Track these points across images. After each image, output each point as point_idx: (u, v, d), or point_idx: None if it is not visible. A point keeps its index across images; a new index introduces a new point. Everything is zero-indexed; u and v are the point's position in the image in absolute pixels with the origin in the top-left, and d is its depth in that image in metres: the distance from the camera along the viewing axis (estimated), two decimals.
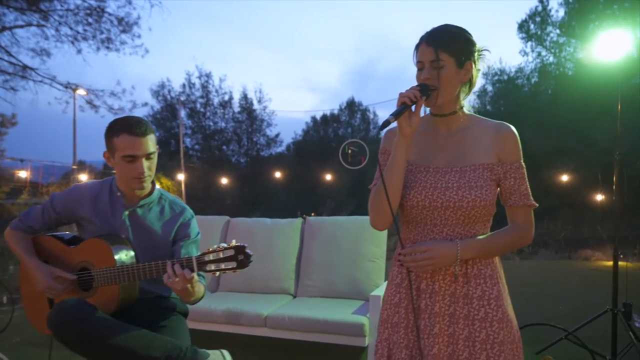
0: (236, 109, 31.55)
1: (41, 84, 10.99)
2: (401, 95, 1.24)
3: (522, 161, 1.31)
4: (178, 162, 16.45)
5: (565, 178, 14.62)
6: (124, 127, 1.65)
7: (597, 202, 12.85)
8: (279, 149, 32.10)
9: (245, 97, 31.26)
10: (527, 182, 1.31)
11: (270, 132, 31.98)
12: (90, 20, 11.01)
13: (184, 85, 30.55)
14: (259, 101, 31.39)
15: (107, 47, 11.43)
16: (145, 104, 13.89)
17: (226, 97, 31.00)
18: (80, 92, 12.48)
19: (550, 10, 18.57)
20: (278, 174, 22.25)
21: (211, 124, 31.55)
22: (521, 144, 1.32)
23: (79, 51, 11.13)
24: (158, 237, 1.76)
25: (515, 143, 1.30)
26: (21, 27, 10.58)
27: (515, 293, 1.30)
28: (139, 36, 14.17)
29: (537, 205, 1.33)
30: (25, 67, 10.75)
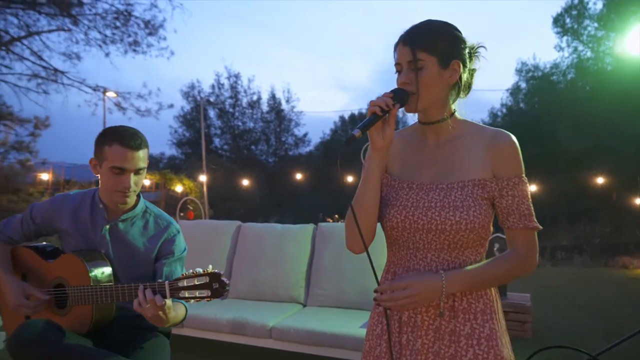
0: (264, 108, 31.83)
1: (71, 87, 11.28)
2: (371, 103, 1.09)
3: (522, 175, 1.12)
4: (209, 162, 16.62)
5: (603, 178, 13.90)
6: (118, 138, 1.55)
7: (638, 204, 12.17)
8: (307, 149, 32.15)
9: (273, 97, 31.50)
10: (529, 200, 1.12)
11: (299, 131, 32.12)
12: (117, 24, 11.23)
13: (213, 86, 31.05)
14: (287, 101, 31.60)
15: (134, 50, 11.64)
16: (171, 106, 14.10)
17: (254, 97, 31.33)
18: (110, 94, 12.74)
19: (587, 3, 17.78)
20: (305, 175, 22.20)
21: (240, 124, 31.93)
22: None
23: (107, 54, 11.39)
24: (140, 254, 1.65)
25: (512, 154, 1.11)
26: (49, 32, 10.87)
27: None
28: (165, 38, 14.44)
29: (541, 227, 1.13)
30: (56, 71, 11.05)
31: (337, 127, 31.32)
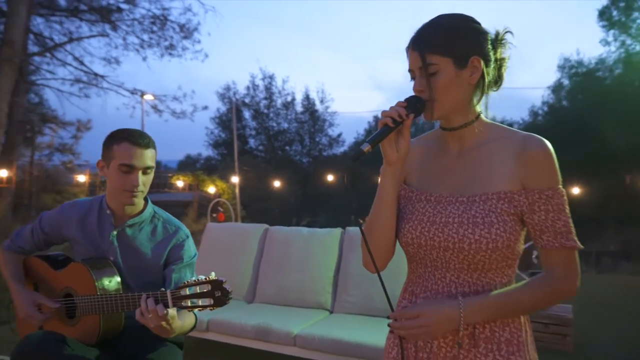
0: (299, 109, 31.96)
1: (110, 90, 11.64)
2: (383, 114, 0.99)
3: (558, 187, 0.98)
4: (242, 163, 16.79)
5: None
6: (127, 136, 1.56)
7: None
8: (341, 149, 32.04)
9: (307, 97, 31.55)
10: (568, 215, 0.98)
11: (332, 132, 32.04)
12: (154, 28, 11.49)
13: (248, 88, 31.40)
14: (321, 101, 31.56)
15: (170, 54, 11.89)
16: (205, 107, 14.30)
17: (289, 98, 31.48)
18: (148, 97, 13.06)
19: None
20: (339, 175, 22.08)
21: (274, 124, 32.17)
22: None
23: (144, 58, 11.68)
24: (148, 260, 1.62)
25: (546, 163, 0.97)
26: (87, 37, 11.25)
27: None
28: (199, 41, 14.78)
29: (582, 247, 0.99)
30: (96, 75, 11.44)
31: (371, 127, 31.00)
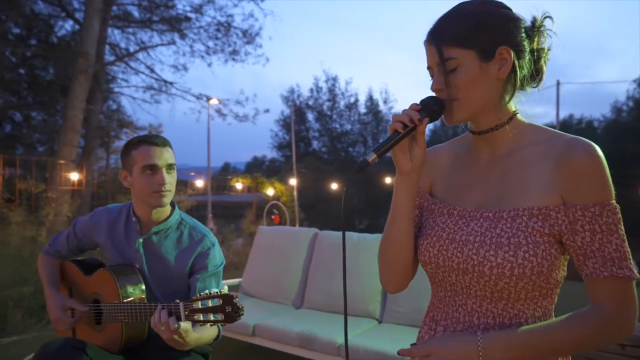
0: (362, 110, 31.79)
1: (176, 96, 12.22)
2: (394, 118, 0.87)
3: (610, 202, 0.79)
4: (303, 165, 16.94)
5: None
6: (143, 139, 1.58)
7: None
8: None
9: (370, 98, 31.29)
10: (622, 237, 0.80)
11: None
12: (219, 35, 11.89)
13: (311, 90, 31.72)
14: (385, 102, 31.14)
15: (234, 59, 12.24)
16: (267, 111, 14.60)
17: (352, 100, 31.37)
18: (214, 101, 13.55)
19: None
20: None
21: (337, 126, 32.19)
22: None
23: (209, 64, 12.13)
24: (172, 268, 1.59)
25: (593, 173, 0.79)
26: (156, 46, 11.86)
27: None
28: (261, 46, 15.18)
29: (639, 276, 0.81)
30: (165, 82, 12.05)
31: (436, 127, 30.10)
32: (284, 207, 7.05)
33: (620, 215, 0.80)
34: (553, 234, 0.81)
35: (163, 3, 11.97)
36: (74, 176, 6.31)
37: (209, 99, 13.13)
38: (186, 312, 1.26)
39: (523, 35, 0.86)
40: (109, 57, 11.36)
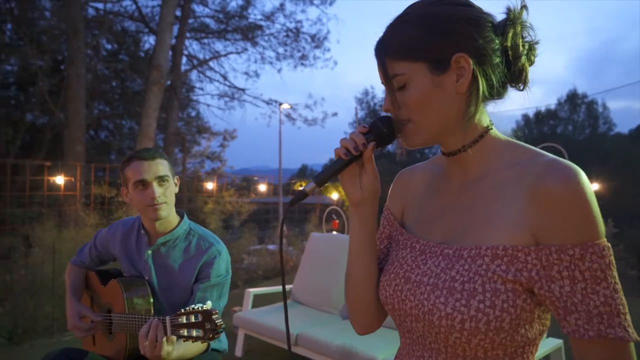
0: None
1: (247, 102, 12.64)
2: (340, 142, 0.77)
3: (598, 242, 0.62)
4: (381, 166, 16.66)
5: None
6: (133, 154, 1.60)
7: None
8: None
9: None
10: (613, 288, 0.62)
11: None
12: (288, 41, 12.14)
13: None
14: None
15: (303, 64, 12.42)
16: (335, 114, 14.60)
17: None
18: (285, 106, 13.87)
19: None
20: None
21: None
22: None
23: (279, 70, 12.41)
24: (179, 279, 1.59)
25: (571, 205, 0.63)
26: (225, 55, 12.36)
27: None
28: (329, 50, 15.30)
29: (637, 339, 0.62)
30: (238, 89, 12.54)
31: (519, 127, 28.25)
32: (343, 213, 6.97)
33: (610, 259, 0.62)
34: (520, 281, 0.65)
35: (237, 13, 12.48)
36: None
37: (280, 104, 13.46)
38: (172, 327, 1.24)
39: (490, 34, 0.71)
40: (186, 67, 12.07)
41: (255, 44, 12.32)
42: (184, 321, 1.22)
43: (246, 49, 12.43)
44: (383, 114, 0.80)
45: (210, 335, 1.17)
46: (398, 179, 0.93)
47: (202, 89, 12.81)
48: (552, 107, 27.46)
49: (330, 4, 12.40)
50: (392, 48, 0.72)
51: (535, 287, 0.65)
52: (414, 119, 0.73)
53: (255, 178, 9.74)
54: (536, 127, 27.61)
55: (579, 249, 0.62)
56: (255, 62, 12.38)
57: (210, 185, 8.41)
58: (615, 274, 0.63)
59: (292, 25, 12.18)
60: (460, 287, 0.66)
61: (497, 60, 0.71)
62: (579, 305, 0.62)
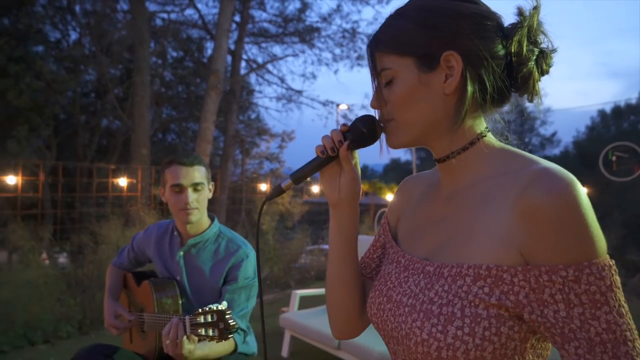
0: (504, 108, 29.58)
1: (303, 104, 12.77)
2: (322, 139, 0.75)
3: (595, 261, 0.55)
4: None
5: None
6: (174, 158, 1.66)
7: None
8: (556, 150, 28.25)
9: None
10: (619, 310, 0.55)
11: (545, 131, 28.54)
12: (344, 42, 12.12)
13: None
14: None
15: (359, 64, 12.35)
16: None
17: None
18: (343, 107, 13.89)
19: None
20: None
21: None
22: None
23: (336, 71, 12.44)
24: (208, 280, 1.65)
25: (562, 220, 0.56)
26: (282, 58, 12.55)
27: None
28: None
29: None
30: (295, 91, 12.72)
31: (594, 123, 26.36)
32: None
33: (612, 279, 0.55)
34: (505, 305, 0.58)
35: (295, 16, 12.66)
36: None
37: (337, 105, 13.49)
38: (191, 326, 1.29)
39: (491, 35, 0.65)
40: (245, 71, 12.43)
41: (312, 46, 12.43)
42: (202, 321, 1.26)
43: (303, 51, 12.58)
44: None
45: (225, 335, 1.20)
46: (400, 186, 0.89)
47: (260, 92, 13.19)
48: (633, 101, 25.30)
49: (387, 2, 12.24)
50: (382, 41, 0.69)
51: (524, 313, 0.58)
52: (396, 117, 0.69)
53: (308, 179, 9.84)
54: (614, 123, 25.54)
55: (573, 270, 0.55)
56: (312, 64, 12.53)
57: (264, 187, 8.61)
58: (620, 295, 0.56)
59: (348, 26, 12.16)
60: (438, 310, 0.61)
61: (497, 64, 0.65)
62: (578, 332, 0.55)
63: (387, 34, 0.69)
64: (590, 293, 0.55)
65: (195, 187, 1.65)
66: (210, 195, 1.72)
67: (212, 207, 8.67)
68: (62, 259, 6.24)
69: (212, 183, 1.75)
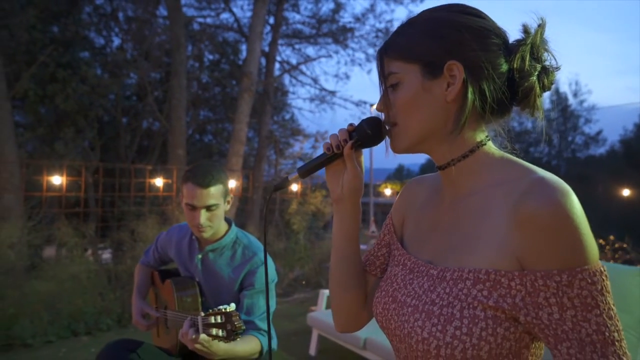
0: (546, 105, 28.59)
1: (336, 105, 12.79)
2: (330, 137, 0.80)
3: (586, 267, 0.58)
4: None
5: None
6: (190, 176, 1.66)
7: None
8: (601, 150, 27.07)
9: (557, 92, 27.84)
10: (609, 313, 0.58)
11: (590, 129, 27.40)
12: (377, 42, 12.06)
13: None
14: (575, 95, 27.40)
15: None
16: None
17: None
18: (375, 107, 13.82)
19: None
20: (599, 180, 18.63)
21: (516, 124, 29.46)
22: None
23: (369, 72, 12.38)
24: (224, 284, 1.70)
25: (557, 228, 0.59)
26: (316, 59, 12.61)
27: None
28: None
29: None
30: (328, 92, 12.76)
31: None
32: None
33: (603, 284, 0.58)
34: (502, 307, 0.62)
35: (329, 17, 12.71)
36: (231, 183, 7.19)
37: (371, 105, 13.44)
38: (203, 326, 1.35)
39: (494, 49, 0.68)
40: (278, 72, 12.58)
41: (345, 46, 12.45)
42: (213, 321, 1.32)
43: (337, 52, 12.61)
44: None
45: (232, 336, 1.25)
46: (404, 188, 0.93)
47: (294, 93, 13.34)
48: None
49: (422, 0, 12.09)
50: (391, 47, 0.73)
51: (520, 315, 0.61)
52: (399, 121, 0.73)
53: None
54: None
55: (567, 275, 0.58)
56: (345, 64, 12.54)
57: (295, 187, 8.70)
58: (610, 299, 0.59)
59: (381, 26, 12.10)
60: (439, 311, 0.65)
61: (498, 76, 0.68)
62: (570, 333, 0.59)
63: (396, 41, 0.73)
64: (582, 297, 0.58)
65: (209, 207, 1.66)
66: (227, 208, 1.74)
67: (246, 207, 8.83)
68: (107, 254, 6.55)
69: (230, 197, 1.76)
